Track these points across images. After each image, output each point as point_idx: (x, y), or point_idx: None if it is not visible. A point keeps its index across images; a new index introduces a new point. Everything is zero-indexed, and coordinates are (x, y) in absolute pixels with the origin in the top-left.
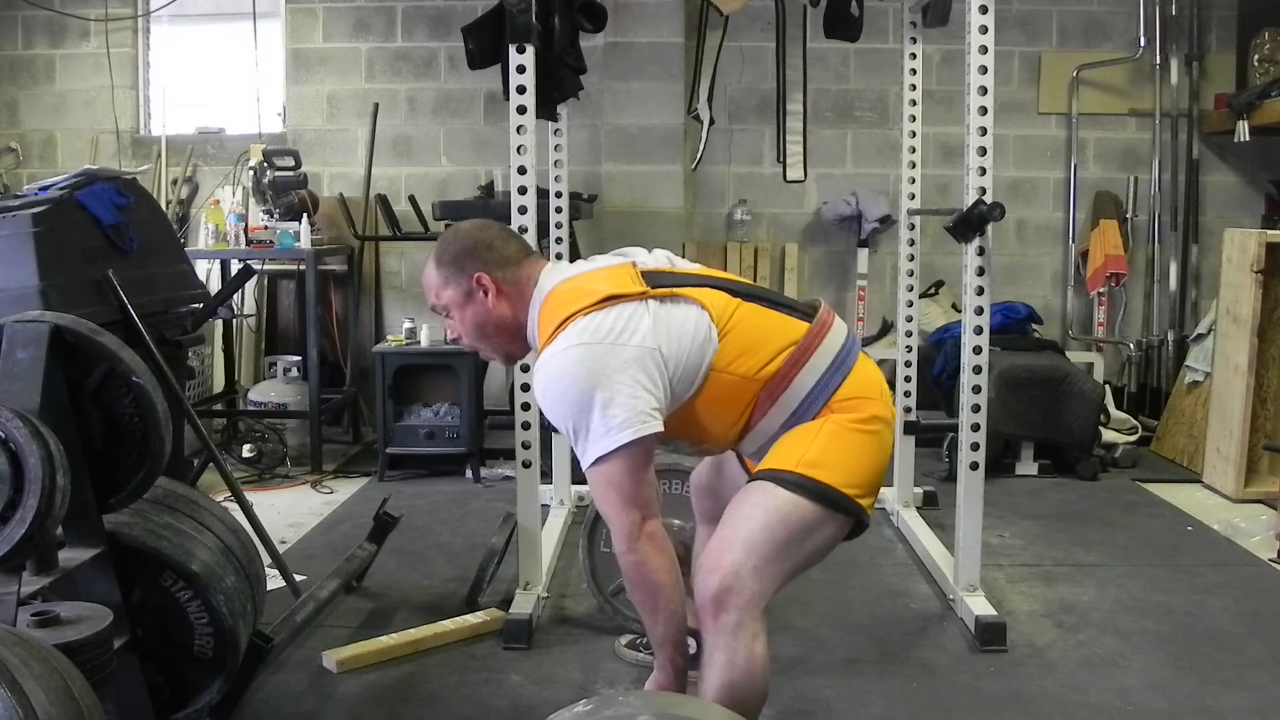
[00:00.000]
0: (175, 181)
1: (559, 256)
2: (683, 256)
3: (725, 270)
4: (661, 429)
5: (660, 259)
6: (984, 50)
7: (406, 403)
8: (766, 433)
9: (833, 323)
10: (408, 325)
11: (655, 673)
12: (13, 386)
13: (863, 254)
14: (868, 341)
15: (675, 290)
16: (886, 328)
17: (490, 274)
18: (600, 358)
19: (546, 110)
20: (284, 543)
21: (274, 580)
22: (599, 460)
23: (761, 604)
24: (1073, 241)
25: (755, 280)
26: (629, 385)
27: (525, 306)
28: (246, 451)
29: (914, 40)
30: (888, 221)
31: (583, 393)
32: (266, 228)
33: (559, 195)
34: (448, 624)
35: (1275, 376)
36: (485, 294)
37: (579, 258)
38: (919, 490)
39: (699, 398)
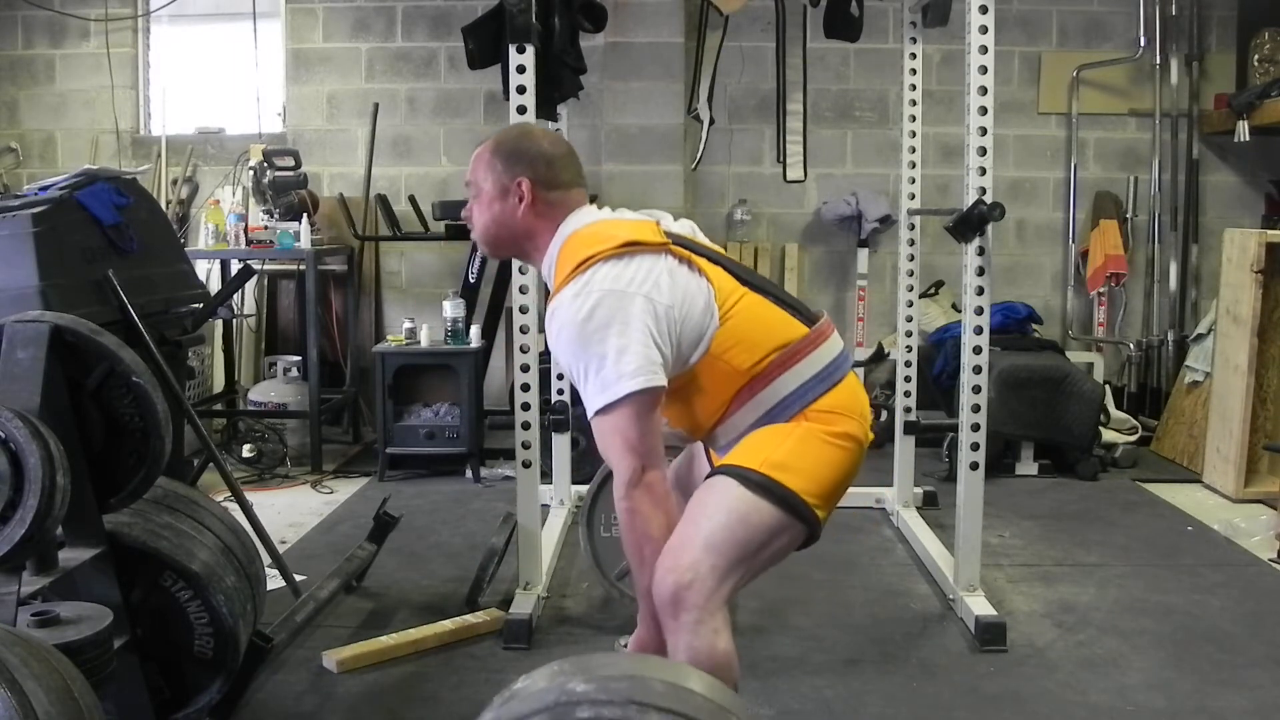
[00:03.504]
0: (175, 181)
1: None
2: None
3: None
4: (666, 386)
5: (685, 228)
6: (984, 50)
7: (406, 403)
8: (737, 428)
9: (830, 335)
10: (408, 325)
11: (638, 628)
12: (13, 386)
13: (863, 254)
14: (861, 363)
15: (691, 256)
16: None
17: (534, 186)
18: (620, 305)
19: (546, 110)
20: (284, 543)
21: (274, 580)
22: (608, 406)
23: (720, 602)
24: (1073, 241)
25: None
26: (643, 334)
27: (547, 231)
28: (246, 451)
29: (914, 40)
30: (888, 221)
31: (599, 338)
32: (266, 228)
33: None
34: (448, 624)
35: (1275, 376)
36: (519, 201)
37: None
38: (919, 490)
39: (692, 377)
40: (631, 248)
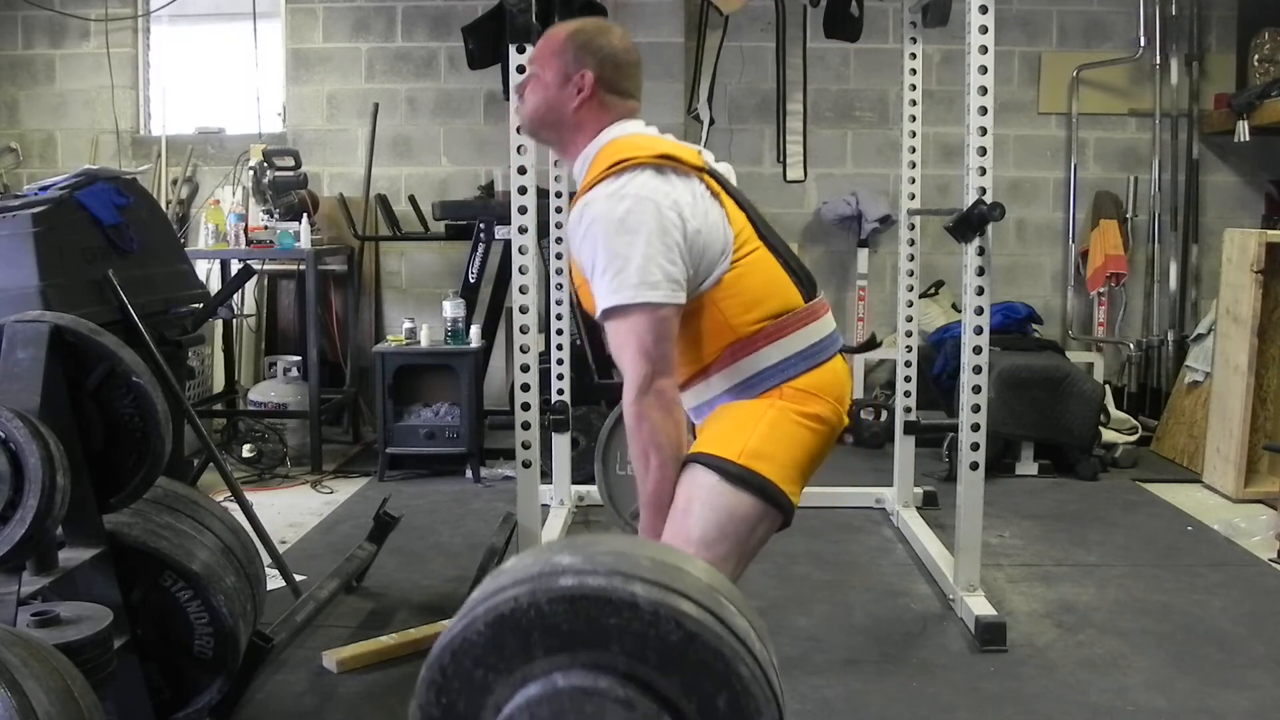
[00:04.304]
0: (175, 181)
1: (559, 256)
2: None
3: None
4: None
5: (723, 168)
6: (984, 50)
7: (406, 403)
8: (711, 391)
9: (823, 315)
10: (408, 325)
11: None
12: (13, 386)
13: (863, 254)
14: (852, 349)
15: (721, 192)
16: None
17: (596, 83)
18: (655, 216)
19: None
20: (284, 543)
21: (274, 580)
22: (625, 307)
23: None
24: (1073, 241)
25: None
26: (670, 250)
27: (592, 130)
28: (246, 451)
29: (914, 40)
30: (888, 221)
31: (627, 240)
32: (266, 228)
33: (559, 195)
34: (448, 624)
35: (1275, 376)
36: (577, 92)
37: None
38: (919, 490)
39: (692, 315)
40: (668, 161)
